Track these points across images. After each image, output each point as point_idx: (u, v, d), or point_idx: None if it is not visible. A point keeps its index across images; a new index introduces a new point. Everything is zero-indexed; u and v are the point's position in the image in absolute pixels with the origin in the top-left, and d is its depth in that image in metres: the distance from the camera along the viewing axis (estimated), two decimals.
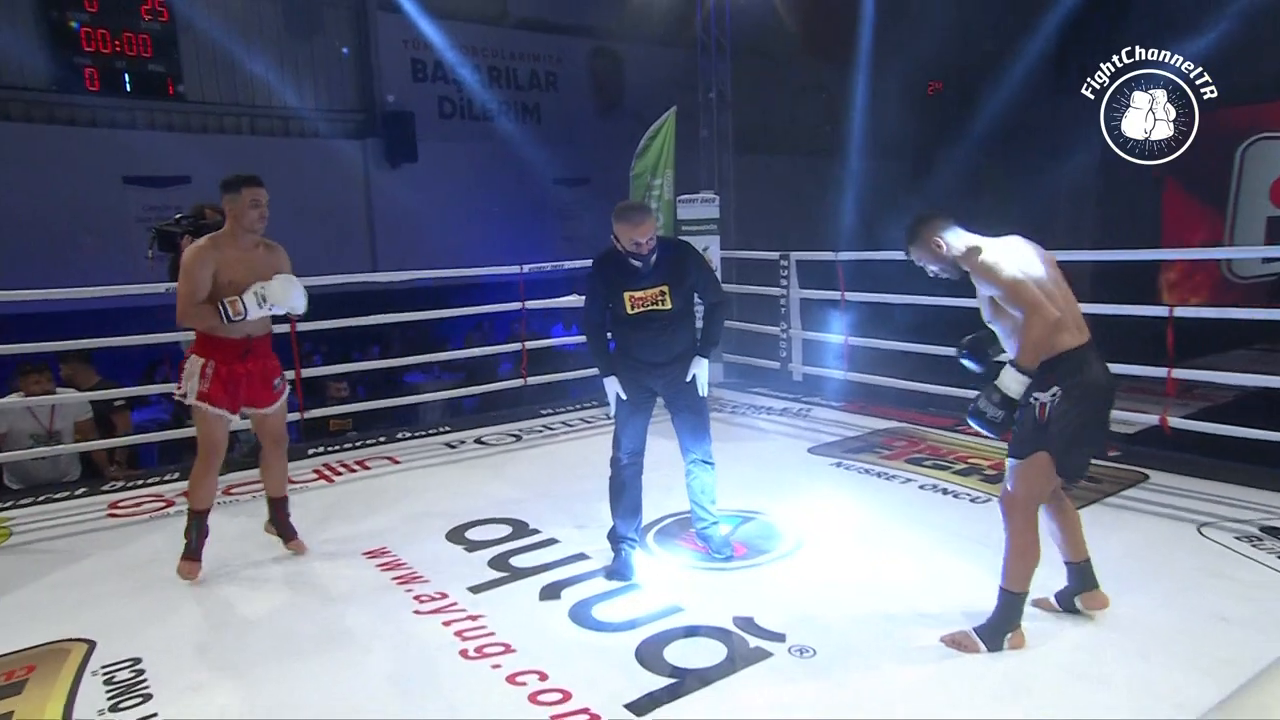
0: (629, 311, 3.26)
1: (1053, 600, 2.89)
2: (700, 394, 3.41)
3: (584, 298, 3.41)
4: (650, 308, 3.25)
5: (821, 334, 6.09)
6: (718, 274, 6.24)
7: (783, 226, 9.44)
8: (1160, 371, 4.40)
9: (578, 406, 6.22)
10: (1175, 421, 4.44)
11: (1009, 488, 2.67)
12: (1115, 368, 4.61)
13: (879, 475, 4.47)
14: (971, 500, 4.05)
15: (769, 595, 3.11)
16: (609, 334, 3.41)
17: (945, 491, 4.17)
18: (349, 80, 10.62)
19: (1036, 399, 2.58)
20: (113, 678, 2.67)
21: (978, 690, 2.49)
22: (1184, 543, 3.48)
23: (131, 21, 8.70)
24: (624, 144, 7.13)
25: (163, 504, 4.34)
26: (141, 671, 2.69)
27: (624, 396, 3.36)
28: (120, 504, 4.34)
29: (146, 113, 9.00)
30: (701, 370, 3.39)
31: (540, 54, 12.01)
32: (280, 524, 3.69)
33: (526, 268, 6.07)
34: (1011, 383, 2.57)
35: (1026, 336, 2.53)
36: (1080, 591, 2.84)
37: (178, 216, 4.80)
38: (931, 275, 2.78)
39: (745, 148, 9.58)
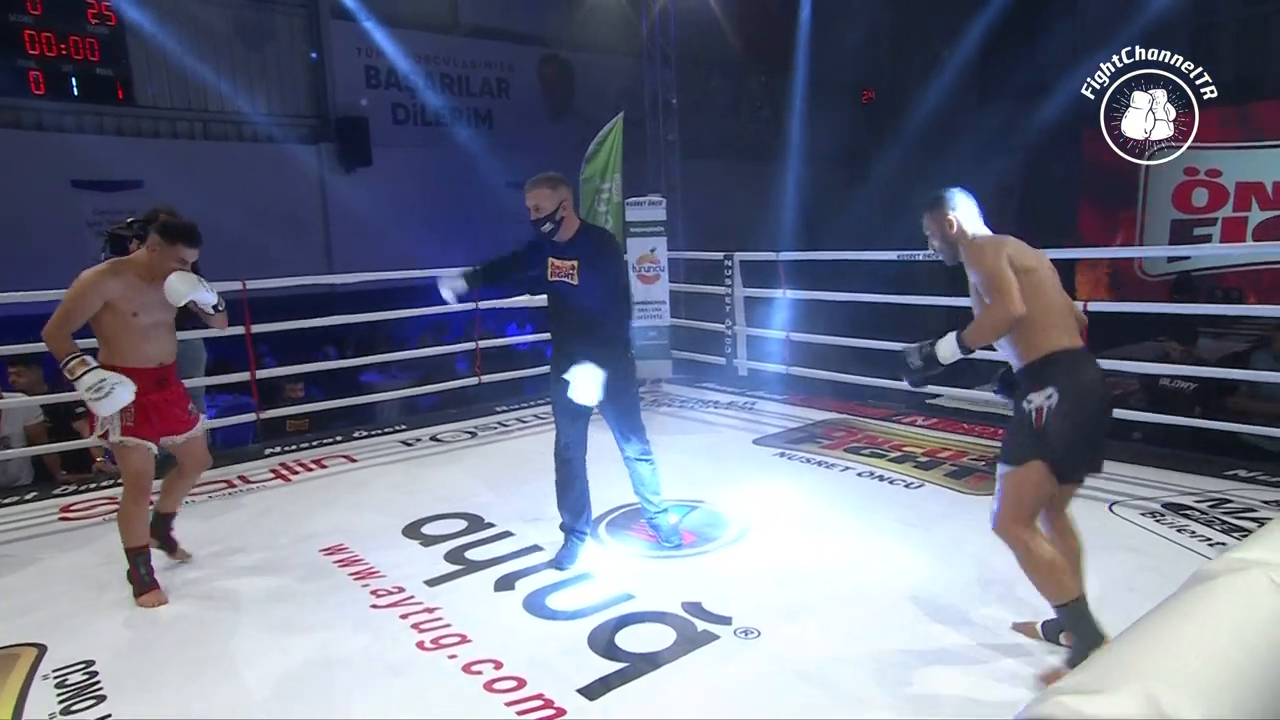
0: (548, 277, 3.29)
1: (1039, 629, 2.65)
2: (579, 400, 3.11)
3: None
4: (562, 278, 3.25)
5: (764, 330, 6.16)
6: (664, 274, 6.27)
7: (727, 228, 9.50)
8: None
9: (532, 403, 6.19)
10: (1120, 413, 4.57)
11: (997, 508, 2.40)
12: None
13: (819, 464, 4.53)
14: (905, 486, 4.12)
15: (716, 581, 3.13)
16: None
17: (881, 478, 4.25)
18: (302, 86, 10.40)
19: (1030, 403, 2.35)
20: (64, 681, 2.58)
21: (911, 664, 2.53)
22: (1096, 519, 3.58)
23: (77, 25, 8.34)
24: (574, 149, 7.10)
25: (116, 507, 4.15)
26: (95, 674, 2.61)
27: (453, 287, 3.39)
28: (72, 507, 4.19)
29: (95, 117, 8.66)
30: (579, 375, 3.07)
31: (492, 61, 11.91)
32: (164, 537, 3.46)
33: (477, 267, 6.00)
34: (945, 349, 2.45)
35: (984, 316, 2.38)
36: (1065, 630, 2.50)
37: (130, 220, 4.66)
38: (932, 250, 2.63)
39: (691, 153, 9.64)
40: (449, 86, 11.58)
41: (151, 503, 3.27)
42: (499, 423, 5.74)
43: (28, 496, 4.36)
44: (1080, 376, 2.34)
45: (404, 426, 5.66)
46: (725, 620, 2.81)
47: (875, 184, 14.07)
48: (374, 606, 3.03)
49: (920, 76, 12.40)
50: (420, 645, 2.73)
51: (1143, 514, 3.62)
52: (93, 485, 4.51)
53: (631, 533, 3.64)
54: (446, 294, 3.38)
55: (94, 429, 3.14)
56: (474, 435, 5.45)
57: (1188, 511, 3.62)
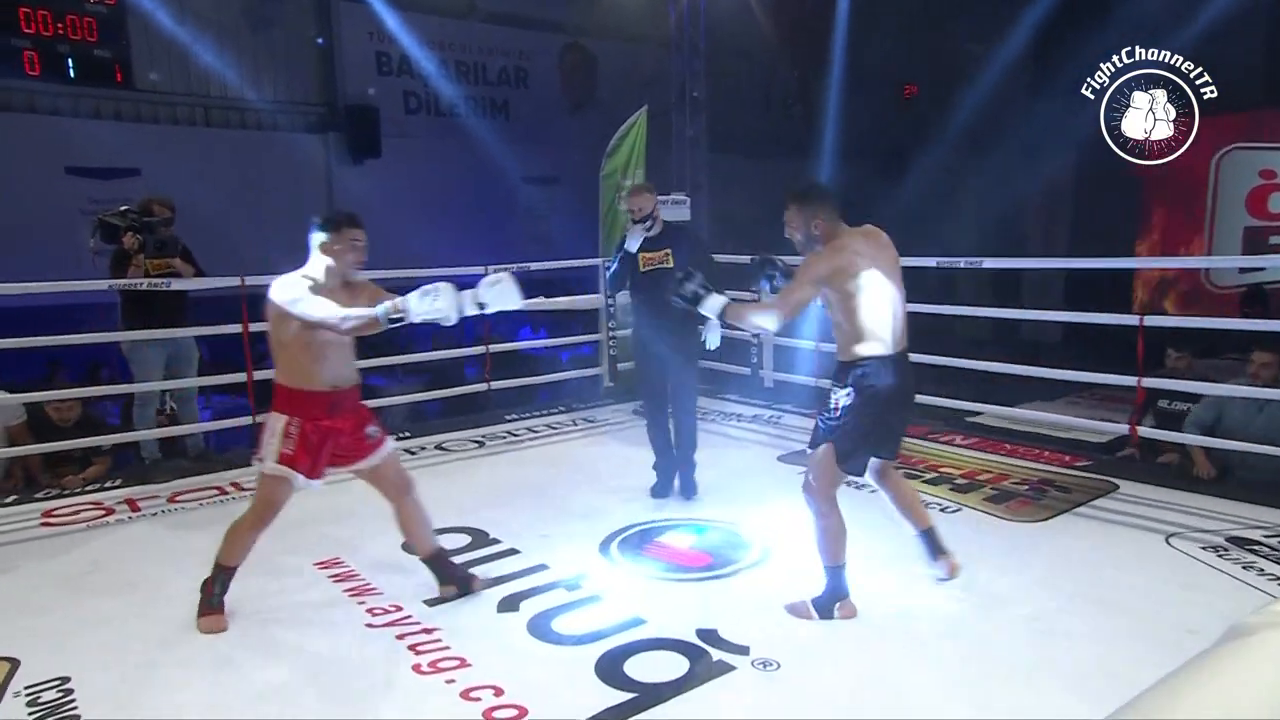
0: (640, 269, 4.22)
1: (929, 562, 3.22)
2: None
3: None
4: (657, 265, 4.15)
5: (792, 340, 6.12)
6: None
7: (755, 229, 9.47)
8: (1130, 380, 4.46)
9: (544, 412, 6.18)
10: (1145, 431, 4.51)
11: (808, 478, 3.00)
12: (1086, 375, 4.76)
13: (848, 484, 4.42)
14: (941, 509, 4.06)
15: (734, 607, 3.09)
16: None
17: None
18: (310, 72, 10.50)
19: (834, 395, 2.90)
20: (37, 698, 2.58)
21: (940, 704, 2.49)
22: (1153, 553, 3.53)
23: (75, 3, 8.44)
24: (595, 143, 7.11)
25: (101, 512, 4.23)
26: (70, 691, 2.61)
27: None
28: (55, 512, 4.22)
29: (92, 100, 8.77)
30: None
31: (510, 49, 11.96)
32: (445, 573, 3.23)
33: (489, 269, 6.01)
34: (711, 306, 2.97)
35: (758, 310, 2.93)
36: (936, 556, 3.18)
37: (123, 209, 4.71)
38: (786, 236, 2.99)
39: (718, 149, 9.62)
40: (464, 75, 11.65)
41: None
42: (509, 432, 5.74)
43: (7, 500, 4.39)
44: (878, 383, 2.83)
45: (408, 434, 5.67)
46: (743, 650, 2.77)
47: (915, 184, 13.99)
48: (369, 626, 3.02)
49: (967, 69, 12.30)
50: (416, 668, 2.71)
51: (1204, 548, 3.55)
52: (76, 490, 4.54)
53: (644, 554, 3.62)
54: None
55: (260, 449, 2.96)
56: (481, 445, 5.44)
57: (1254, 546, 3.54)
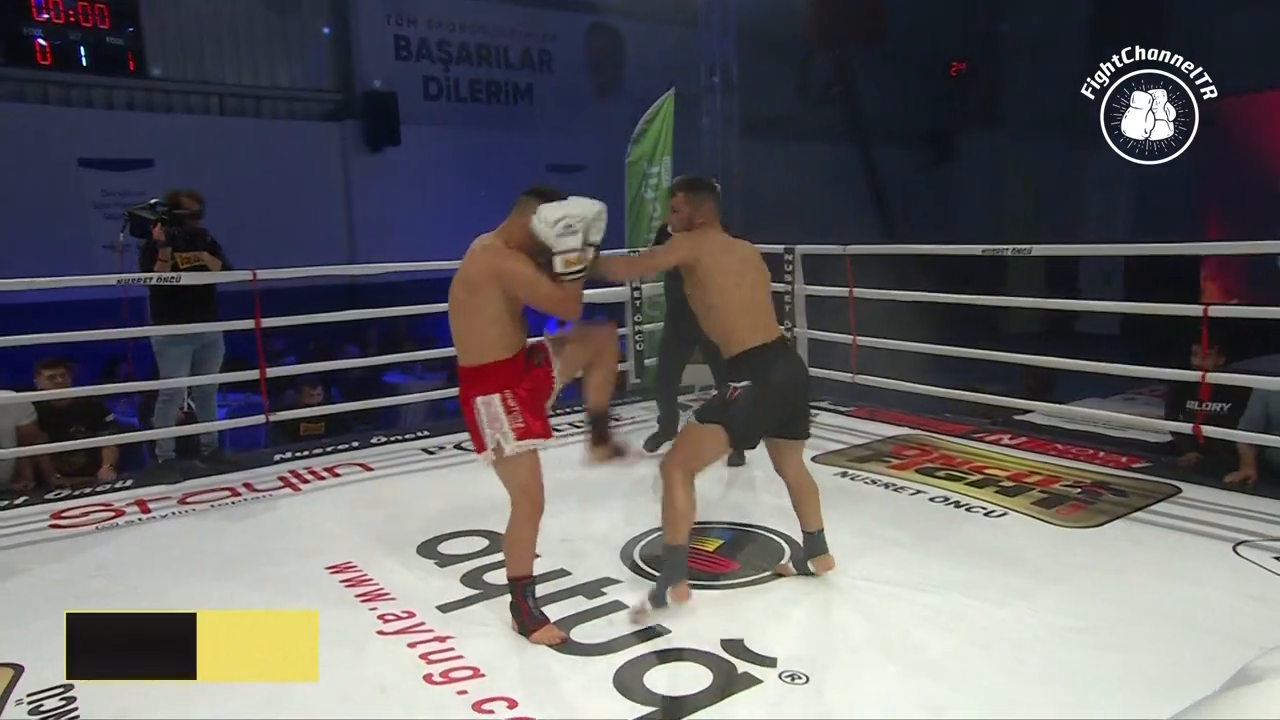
0: None
1: (790, 565, 3.41)
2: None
3: None
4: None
5: (827, 333, 6.07)
6: None
7: (791, 218, 9.39)
8: (1194, 375, 4.36)
9: (567, 410, 6.18)
10: (1211, 430, 4.39)
11: (674, 449, 3.15)
12: (1145, 370, 4.65)
13: (886, 486, 4.44)
14: (985, 514, 4.01)
15: (761, 616, 3.07)
16: None
17: (957, 505, 4.14)
18: (326, 58, 10.61)
19: (730, 385, 3.06)
20: (40, 706, 2.63)
21: None
22: (1218, 563, 3.44)
23: None
24: (623, 128, 7.11)
25: (111, 514, 4.30)
26: (72, 699, 2.65)
27: None
28: (65, 514, 4.31)
29: (104, 90, 8.94)
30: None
31: (533, 30, 11.99)
32: (600, 432, 3.11)
33: None
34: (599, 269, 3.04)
35: (632, 262, 3.60)
36: (811, 556, 3.32)
37: (153, 201, 4.82)
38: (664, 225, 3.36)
39: (751, 133, 9.57)
40: (486, 58, 11.71)
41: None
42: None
43: (18, 501, 4.49)
44: (771, 374, 3.04)
45: (427, 433, 5.71)
46: (770, 662, 2.75)
47: (962, 168, 13.82)
48: (380, 633, 3.04)
49: (1021, 44, 12.11)
50: (428, 678, 2.73)
51: (1276, 557, 3.46)
52: (88, 491, 4.63)
53: None
54: None
55: (483, 447, 2.91)
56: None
57: None
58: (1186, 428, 4.46)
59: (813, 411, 3.31)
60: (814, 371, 6.21)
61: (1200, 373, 4.28)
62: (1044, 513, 3.99)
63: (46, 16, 8.39)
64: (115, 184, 8.57)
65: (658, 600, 3.04)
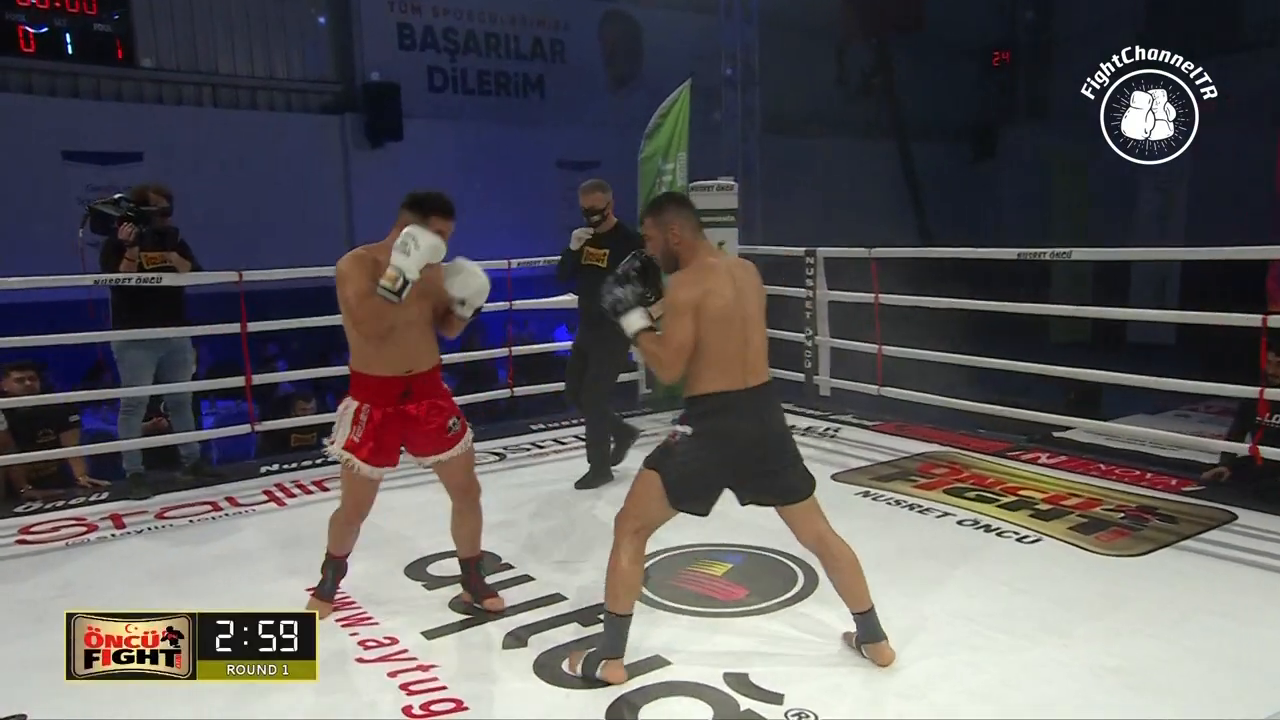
0: (583, 262, 4.82)
1: (853, 639, 3.02)
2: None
3: None
4: (594, 263, 4.69)
5: (851, 342, 6.02)
6: None
7: (816, 219, 9.37)
8: (1251, 391, 4.27)
9: (574, 422, 6.16)
10: (1270, 451, 4.30)
11: (626, 498, 2.91)
12: (1198, 386, 4.56)
13: (911, 507, 4.38)
14: (1018, 539, 3.94)
15: (769, 648, 3.04)
16: None
17: (988, 529, 4.08)
18: (326, 47, 10.69)
19: (673, 425, 2.86)
20: None
21: None
22: (1277, 598, 3.36)
23: None
24: (639, 122, 7.11)
25: (83, 528, 4.32)
26: None
27: None
28: (33, 529, 4.32)
29: (91, 80, 9.03)
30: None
31: (545, 18, 12.05)
32: (472, 587, 3.41)
33: (515, 263, 6.03)
34: (631, 324, 2.84)
35: (657, 354, 2.80)
36: (865, 642, 2.94)
37: (117, 197, 4.78)
38: (647, 255, 2.94)
39: (774, 128, 9.56)
40: (494, 48, 11.76)
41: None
42: (533, 443, 5.74)
43: None
44: (719, 422, 2.78)
45: None
46: (776, 699, 2.71)
47: (1005, 164, 13.71)
48: (359, 660, 3.02)
49: (1067, 32, 12.01)
50: (407, 711, 2.71)
51: None
52: (60, 504, 4.65)
53: (671, 583, 3.57)
54: None
55: (335, 436, 3.15)
56: (502, 458, 5.45)
57: None
58: (1242, 448, 4.38)
59: (795, 466, 2.92)
60: (835, 383, 6.20)
61: (1259, 388, 4.20)
62: (1083, 539, 3.91)
63: (31, 2, 8.47)
64: (102, 178, 8.64)
65: (587, 668, 2.85)
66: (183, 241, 4.94)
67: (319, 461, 5.35)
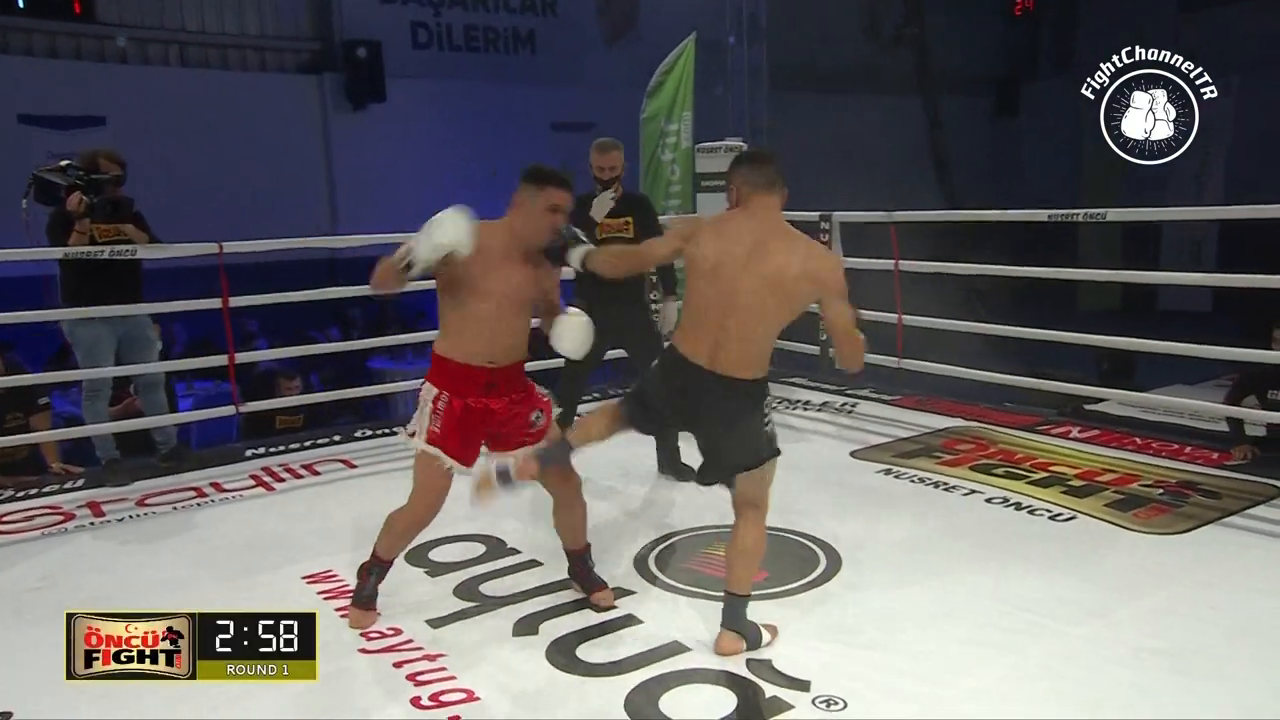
0: (599, 236, 4.31)
1: None
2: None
3: None
4: (615, 234, 4.40)
5: (870, 312, 6.02)
6: None
7: (830, 180, 9.34)
8: None
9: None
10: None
11: (760, 496, 2.99)
12: (1234, 352, 4.58)
13: (936, 485, 4.42)
14: (1051, 517, 3.98)
15: (793, 633, 3.06)
16: None
17: (1018, 506, 4.11)
18: (302, 2, 10.61)
19: (765, 412, 2.94)
20: None
21: None
22: None
23: None
24: (637, 81, 7.09)
25: (60, 518, 4.33)
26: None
27: None
28: (6, 518, 4.33)
29: (47, 36, 8.90)
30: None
31: None
32: (581, 579, 3.41)
33: None
34: (575, 256, 3.12)
35: (623, 254, 3.21)
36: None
37: (64, 163, 4.67)
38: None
39: (783, 85, 9.51)
40: (482, 2, 11.68)
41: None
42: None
43: None
44: (660, 372, 2.98)
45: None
46: (802, 685, 2.75)
47: (1031, 121, 13.67)
48: (363, 651, 3.04)
49: None
50: (415, 702, 2.74)
51: None
52: (34, 492, 4.66)
53: (688, 568, 3.60)
54: None
55: (415, 427, 3.09)
56: None
57: None
58: (1259, 419, 4.45)
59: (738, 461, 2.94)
60: None
61: None
62: (1120, 516, 3.95)
63: None
64: (62, 144, 8.52)
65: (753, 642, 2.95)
66: (138, 213, 4.81)
67: (307, 444, 5.39)
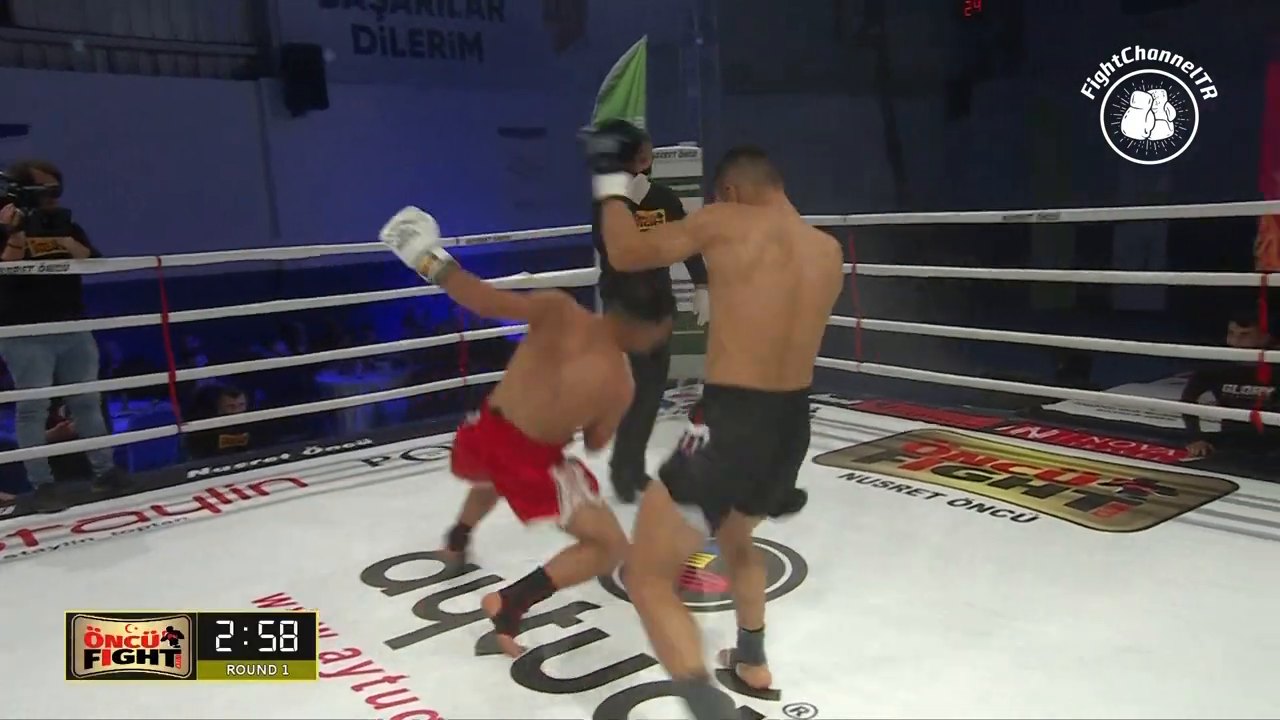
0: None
1: (728, 657, 2.95)
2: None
3: None
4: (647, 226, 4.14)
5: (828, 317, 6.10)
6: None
7: (790, 184, 9.45)
8: (1252, 355, 4.42)
9: None
10: (1270, 417, 4.47)
11: (633, 538, 2.66)
12: (1193, 349, 4.71)
13: (899, 489, 4.50)
14: (1013, 518, 4.07)
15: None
16: None
17: (981, 508, 4.19)
18: (236, 5, 10.50)
19: (688, 430, 2.48)
20: None
21: None
22: None
23: None
24: (588, 86, 7.10)
25: (26, 542, 4.27)
26: None
27: None
28: None
29: None
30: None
31: None
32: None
33: (463, 240, 6.02)
34: (609, 185, 2.62)
35: (623, 235, 2.58)
36: (743, 662, 2.88)
37: None
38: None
39: (737, 87, 9.61)
40: (425, 4, 11.65)
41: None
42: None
43: None
44: (739, 427, 2.44)
45: (369, 441, 5.70)
46: (772, 694, 2.78)
47: (982, 121, 13.92)
48: (320, 674, 3.00)
49: None
50: None
51: None
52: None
53: None
54: None
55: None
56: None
57: None
58: (1243, 414, 4.54)
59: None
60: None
61: (1259, 351, 4.35)
62: (1080, 515, 4.05)
63: None
64: None
65: None
66: (77, 225, 4.73)
67: (254, 463, 5.33)
